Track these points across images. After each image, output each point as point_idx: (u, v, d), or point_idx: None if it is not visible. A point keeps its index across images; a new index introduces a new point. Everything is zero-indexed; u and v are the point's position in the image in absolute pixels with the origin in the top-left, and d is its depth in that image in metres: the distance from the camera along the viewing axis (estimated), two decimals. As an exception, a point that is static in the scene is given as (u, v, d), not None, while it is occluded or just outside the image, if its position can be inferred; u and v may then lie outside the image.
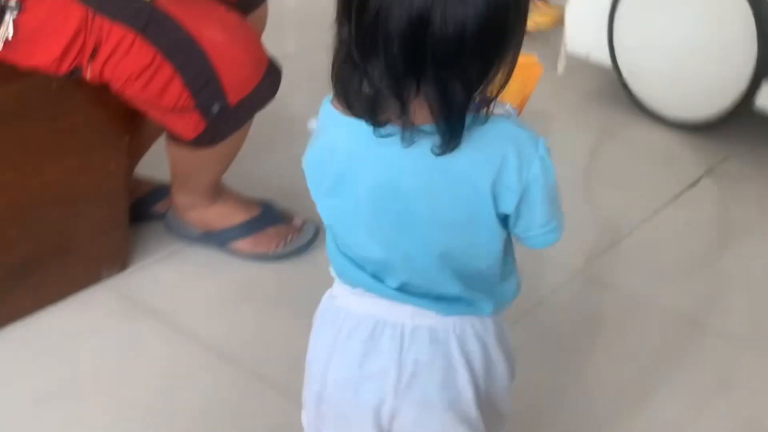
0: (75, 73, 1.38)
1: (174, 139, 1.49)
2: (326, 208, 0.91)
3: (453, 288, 0.89)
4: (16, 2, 1.32)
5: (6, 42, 1.33)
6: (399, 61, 0.75)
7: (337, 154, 0.86)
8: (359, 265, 0.91)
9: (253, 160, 2.09)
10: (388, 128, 0.79)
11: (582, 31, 2.34)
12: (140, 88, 1.38)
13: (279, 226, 1.73)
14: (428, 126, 0.78)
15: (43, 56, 1.36)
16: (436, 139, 0.79)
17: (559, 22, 2.48)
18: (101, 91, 1.43)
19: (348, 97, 0.80)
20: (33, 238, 1.51)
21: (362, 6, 0.75)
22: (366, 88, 0.78)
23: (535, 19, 2.61)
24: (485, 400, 0.94)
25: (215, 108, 1.40)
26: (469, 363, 0.91)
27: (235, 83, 1.40)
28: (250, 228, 1.70)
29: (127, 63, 1.35)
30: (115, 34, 1.33)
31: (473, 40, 0.75)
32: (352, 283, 0.92)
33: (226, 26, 1.39)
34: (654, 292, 1.72)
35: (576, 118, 2.34)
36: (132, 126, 1.58)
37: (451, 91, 0.76)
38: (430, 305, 0.89)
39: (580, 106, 2.38)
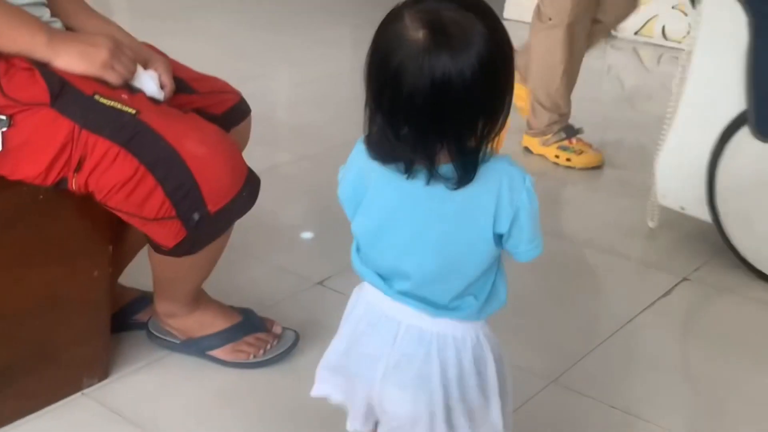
0: (60, 184, 1.44)
1: (156, 247, 1.54)
2: (357, 225, 1.16)
3: (447, 295, 1.11)
4: (6, 117, 1.39)
5: (-6, 155, 1.40)
6: (428, 131, 1.01)
7: (370, 183, 1.12)
8: (375, 270, 1.14)
9: (235, 269, 2.15)
10: (416, 172, 1.04)
11: (675, 183, 2.25)
12: (123, 198, 1.44)
13: (259, 334, 1.76)
14: (446, 167, 1.04)
15: (30, 169, 1.42)
16: (453, 177, 1.04)
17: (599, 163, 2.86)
18: (86, 201, 1.49)
19: (386, 161, 1.06)
20: (13, 346, 1.53)
21: (394, 96, 1.01)
22: (400, 152, 1.04)
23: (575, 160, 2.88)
24: (459, 406, 1.12)
25: (195, 217, 1.46)
26: (443, 367, 1.11)
27: (215, 193, 1.45)
28: (230, 336, 1.73)
29: (111, 175, 1.42)
30: (99, 148, 1.40)
31: (481, 105, 1.01)
32: (371, 283, 1.16)
33: (206, 139, 1.46)
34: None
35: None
36: (116, 235, 1.63)
37: (468, 143, 1.02)
38: (423, 308, 1.11)
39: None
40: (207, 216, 1.47)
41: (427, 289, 1.11)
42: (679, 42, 4.63)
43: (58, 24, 1.57)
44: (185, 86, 1.68)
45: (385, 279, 1.13)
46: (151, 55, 1.64)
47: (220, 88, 1.77)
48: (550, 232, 2.47)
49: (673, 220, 2.42)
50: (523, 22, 4.99)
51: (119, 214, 1.49)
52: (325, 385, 1.22)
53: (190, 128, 1.47)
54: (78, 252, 1.57)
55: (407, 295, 1.11)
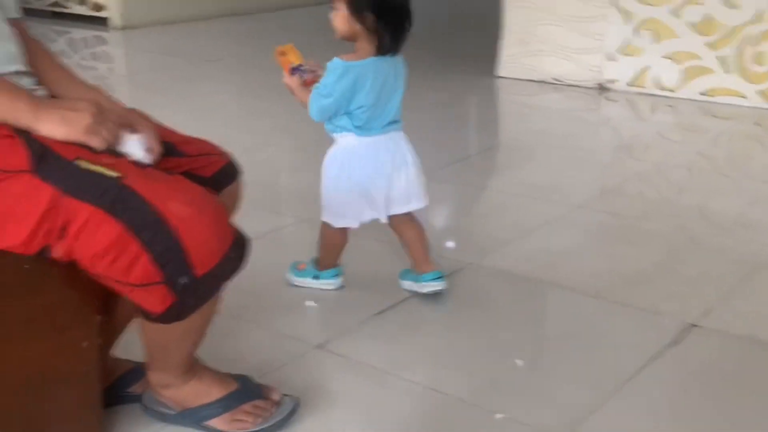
0: (44, 253, 1.40)
1: (145, 315, 1.50)
2: (360, 108, 2.16)
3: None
4: (-14, 186, 1.36)
5: (-26, 224, 1.36)
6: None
7: (364, 81, 2.13)
8: (373, 124, 2.21)
9: (233, 334, 2.10)
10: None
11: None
12: (108, 265, 1.40)
13: (257, 402, 1.70)
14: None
15: (13, 238, 1.38)
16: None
17: None
18: (72, 270, 1.45)
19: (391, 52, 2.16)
20: (0, 424, 1.47)
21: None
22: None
23: None
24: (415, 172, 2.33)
25: (182, 281, 1.41)
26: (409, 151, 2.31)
27: (202, 256, 1.41)
28: (226, 404, 1.67)
29: (95, 241, 1.38)
30: (82, 213, 1.36)
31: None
32: (370, 134, 2.22)
33: (191, 200, 1.43)
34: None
35: None
36: (104, 305, 1.58)
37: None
38: (397, 128, 2.27)
39: None
40: (194, 280, 1.43)
41: (394, 119, 2.25)
42: (673, 91, 4.65)
43: (42, 92, 1.56)
44: (173, 150, 1.66)
45: (379, 127, 2.22)
46: (137, 119, 1.62)
47: (209, 150, 1.74)
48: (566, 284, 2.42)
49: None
50: (515, 79, 5.04)
51: (105, 282, 1.45)
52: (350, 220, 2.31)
53: (174, 190, 1.44)
54: (65, 323, 1.52)
55: (390, 125, 2.24)
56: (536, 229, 2.87)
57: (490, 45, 5.23)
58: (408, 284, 2.38)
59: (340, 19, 2.11)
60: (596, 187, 3.39)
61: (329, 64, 2.12)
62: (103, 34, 6.79)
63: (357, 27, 2.10)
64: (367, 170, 2.22)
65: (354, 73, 2.11)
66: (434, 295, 2.33)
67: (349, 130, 2.19)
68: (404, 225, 2.35)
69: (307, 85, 2.18)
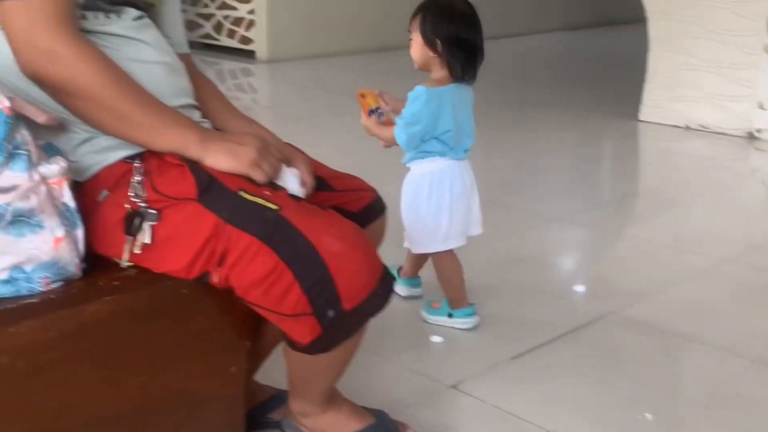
0: (202, 278, 1.46)
1: (291, 344, 1.53)
2: (445, 134, 2.29)
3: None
4: (156, 211, 1.43)
5: (142, 247, 1.44)
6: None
7: (444, 109, 2.27)
8: (456, 148, 2.33)
9: (366, 369, 2.12)
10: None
11: None
12: (262, 293, 1.44)
13: (392, 438, 1.70)
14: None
15: (175, 262, 1.45)
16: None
17: None
18: (226, 296, 1.50)
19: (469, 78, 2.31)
20: (148, 441, 1.53)
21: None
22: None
23: None
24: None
25: (330, 314, 1.44)
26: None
27: (350, 290, 1.44)
28: (364, 437, 1.69)
29: (252, 269, 1.42)
30: (242, 242, 1.41)
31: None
32: (459, 157, 2.36)
33: (343, 235, 1.46)
34: None
35: None
36: (253, 331, 1.63)
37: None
38: (469, 155, 2.38)
39: None
40: (342, 313, 1.45)
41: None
42: (828, 142, 4.43)
43: (207, 125, 1.63)
44: (324, 184, 1.70)
45: (462, 151, 2.36)
46: (294, 153, 1.68)
47: (358, 185, 1.78)
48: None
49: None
50: (658, 124, 4.92)
51: (257, 310, 1.49)
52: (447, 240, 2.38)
53: (328, 224, 1.47)
54: (216, 347, 1.58)
55: (467, 151, 2.37)
56: (678, 282, 2.78)
57: (634, 88, 5.13)
58: (437, 319, 2.40)
59: (416, 48, 2.28)
60: (742, 241, 3.26)
61: (411, 94, 2.25)
62: (250, 66, 7.06)
63: (430, 55, 2.25)
64: (456, 191, 2.33)
65: (437, 98, 2.24)
66: (572, 342, 2.29)
67: (442, 154, 2.30)
68: (448, 257, 2.40)
69: (385, 125, 2.33)
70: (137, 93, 1.44)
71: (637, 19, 5.85)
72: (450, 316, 2.41)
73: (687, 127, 4.88)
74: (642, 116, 5.04)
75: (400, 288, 2.55)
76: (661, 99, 4.97)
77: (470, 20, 2.28)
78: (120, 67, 1.44)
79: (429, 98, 2.22)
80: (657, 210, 3.65)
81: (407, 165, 2.37)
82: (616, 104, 5.43)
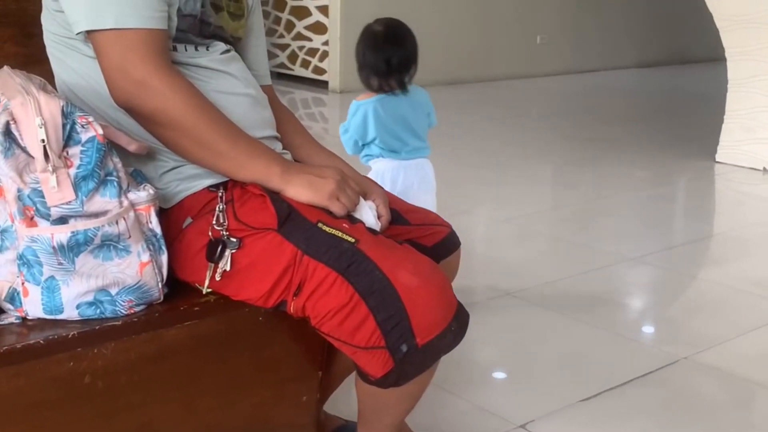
0: (280, 307, 1.48)
1: (363, 376, 1.54)
2: (372, 140, 2.63)
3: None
4: (237, 239, 1.46)
5: (223, 274, 1.47)
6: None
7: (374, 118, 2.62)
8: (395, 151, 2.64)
9: (433, 404, 2.11)
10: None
11: None
12: (336, 325, 1.45)
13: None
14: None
15: (254, 291, 1.47)
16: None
17: None
18: (301, 326, 1.52)
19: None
20: (220, 467, 1.55)
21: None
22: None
23: None
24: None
25: (403, 348, 1.44)
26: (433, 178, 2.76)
27: (424, 326, 1.44)
28: (430, 473, 1.68)
29: (328, 300, 1.44)
30: (319, 273, 1.43)
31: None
32: (399, 157, 2.63)
33: (419, 271, 1.46)
34: None
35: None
36: (326, 362, 1.65)
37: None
38: (423, 155, 2.71)
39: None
40: (415, 348, 1.45)
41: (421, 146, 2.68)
42: None
43: (288, 156, 1.66)
44: (399, 217, 1.71)
45: (404, 152, 2.65)
46: (371, 186, 1.70)
47: (432, 220, 1.79)
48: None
49: None
50: (735, 166, 4.83)
51: (331, 340, 1.50)
52: None
53: (403, 259, 1.48)
54: (289, 375, 1.60)
55: (416, 151, 2.67)
56: (756, 329, 2.71)
57: (712, 128, 5.05)
58: None
59: None
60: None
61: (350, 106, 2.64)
62: (323, 96, 7.16)
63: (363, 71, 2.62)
64: (398, 188, 2.56)
65: (363, 109, 2.61)
66: (643, 387, 2.25)
67: (380, 156, 2.63)
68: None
69: None
70: (224, 125, 1.48)
71: (713, 57, 5.78)
72: None
73: (765, 170, 4.77)
74: (719, 157, 4.95)
75: None
76: (739, 140, 4.88)
77: (380, 39, 2.60)
78: (208, 99, 1.48)
79: (356, 110, 2.64)
80: (732, 254, 3.57)
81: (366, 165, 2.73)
82: (692, 144, 5.35)
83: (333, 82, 7.27)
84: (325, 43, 7.35)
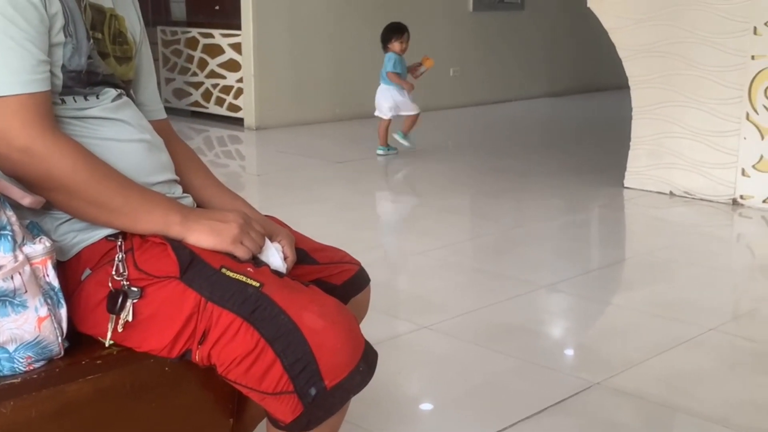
0: (185, 356, 1.46)
1: (273, 422, 1.52)
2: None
3: None
4: (138, 289, 1.43)
5: (125, 325, 1.43)
6: None
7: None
8: None
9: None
10: None
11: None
12: (243, 371, 1.43)
13: None
14: None
15: (157, 341, 1.44)
16: None
17: None
18: (208, 374, 1.49)
19: None
20: None
21: None
22: None
23: None
24: None
25: (312, 392, 1.43)
26: None
27: (332, 368, 1.43)
28: None
29: (233, 347, 1.42)
30: (223, 320, 1.41)
31: None
32: None
33: (324, 312, 1.46)
34: None
35: None
36: (236, 409, 1.62)
37: None
38: None
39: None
40: (323, 391, 1.44)
41: None
42: (812, 209, 4.47)
43: (188, 199, 1.65)
44: (306, 257, 1.70)
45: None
46: (275, 228, 1.68)
47: (340, 258, 1.79)
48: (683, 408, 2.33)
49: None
50: (643, 191, 4.97)
51: (238, 387, 1.48)
52: None
53: (309, 301, 1.47)
54: (200, 424, 1.56)
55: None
56: (666, 351, 2.78)
57: (621, 155, 5.20)
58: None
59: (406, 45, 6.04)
60: (729, 309, 3.27)
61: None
62: (239, 133, 7.13)
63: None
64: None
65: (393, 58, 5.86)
66: (558, 415, 2.27)
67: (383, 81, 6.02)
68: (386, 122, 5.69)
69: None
70: (115, 180, 1.45)
71: (619, 85, 5.96)
72: None
73: (671, 194, 4.93)
74: (627, 183, 5.10)
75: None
76: (646, 166, 5.03)
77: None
78: (96, 157, 1.45)
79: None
80: (644, 278, 3.66)
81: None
82: (602, 171, 5.49)
83: (248, 118, 7.24)
84: (239, 80, 7.33)
